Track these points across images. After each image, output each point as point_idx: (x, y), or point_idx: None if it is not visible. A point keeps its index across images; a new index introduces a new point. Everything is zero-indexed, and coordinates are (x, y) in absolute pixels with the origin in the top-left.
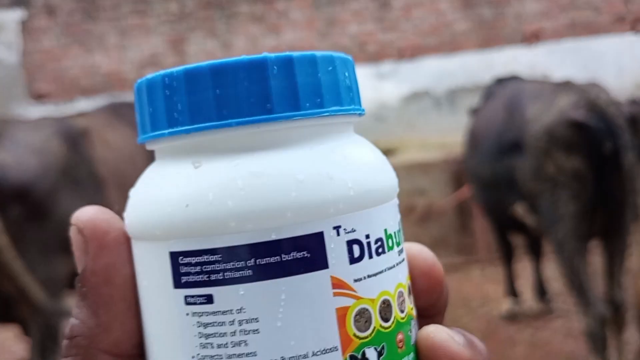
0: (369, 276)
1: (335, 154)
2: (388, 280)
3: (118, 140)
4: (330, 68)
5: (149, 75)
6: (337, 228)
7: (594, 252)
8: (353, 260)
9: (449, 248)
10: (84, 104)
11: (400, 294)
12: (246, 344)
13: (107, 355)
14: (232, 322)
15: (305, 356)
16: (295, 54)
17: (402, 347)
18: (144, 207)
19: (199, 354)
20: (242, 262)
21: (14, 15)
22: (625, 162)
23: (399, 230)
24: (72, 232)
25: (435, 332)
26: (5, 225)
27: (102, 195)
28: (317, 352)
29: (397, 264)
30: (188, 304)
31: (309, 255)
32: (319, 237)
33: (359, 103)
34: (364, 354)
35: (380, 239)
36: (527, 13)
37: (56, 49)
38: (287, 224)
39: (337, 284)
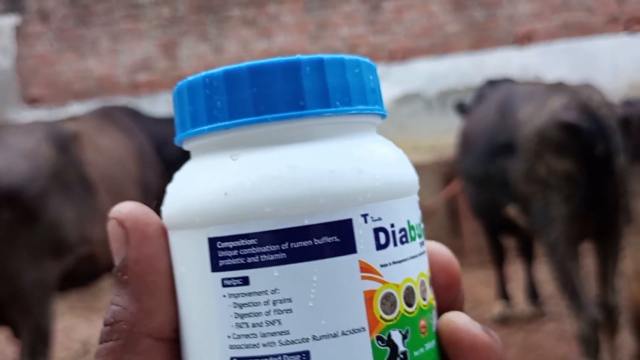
0: (394, 263)
1: (362, 149)
2: (411, 268)
3: (109, 144)
4: (357, 71)
5: (190, 77)
6: (364, 216)
7: (586, 254)
8: (379, 246)
9: None
10: (77, 108)
11: (422, 283)
12: (280, 323)
13: (149, 338)
14: (266, 303)
15: (335, 335)
16: (326, 56)
17: (424, 332)
18: (184, 197)
19: (234, 334)
20: (277, 246)
21: (8, 21)
22: (617, 164)
23: (419, 224)
24: (112, 225)
25: (457, 317)
26: None
27: (93, 199)
28: (347, 331)
29: (419, 255)
30: (225, 286)
31: (338, 240)
32: (348, 223)
33: (382, 105)
34: (389, 335)
35: (403, 229)
36: (519, 14)
37: (50, 54)
38: (319, 211)
39: (365, 268)
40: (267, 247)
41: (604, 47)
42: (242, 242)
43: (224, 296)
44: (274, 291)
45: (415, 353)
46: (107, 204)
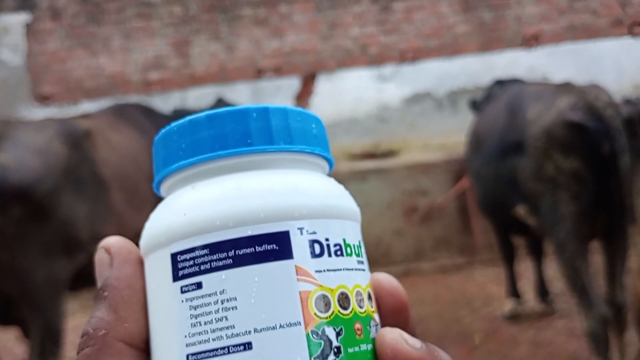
0: (328, 270)
1: (301, 177)
2: (346, 278)
3: (121, 141)
4: (299, 119)
5: (163, 129)
6: (300, 229)
7: (595, 251)
8: (314, 255)
9: (451, 249)
10: (88, 106)
11: (359, 293)
12: (227, 319)
13: (122, 343)
14: (215, 302)
15: (274, 328)
16: (270, 105)
17: (360, 335)
18: (153, 224)
19: (190, 333)
20: (225, 253)
21: (20, 18)
22: (622, 164)
23: (359, 246)
24: (99, 253)
25: (389, 332)
26: (7, 225)
27: (105, 196)
28: (284, 324)
29: (356, 269)
30: (183, 292)
31: (277, 247)
32: (285, 234)
33: (327, 152)
34: (323, 330)
35: (338, 244)
36: (526, 16)
37: (61, 52)
38: (261, 223)
39: (301, 271)
40: (217, 255)
41: (608, 49)
42: (197, 253)
43: (182, 301)
44: (222, 292)
45: (350, 350)
46: (120, 201)
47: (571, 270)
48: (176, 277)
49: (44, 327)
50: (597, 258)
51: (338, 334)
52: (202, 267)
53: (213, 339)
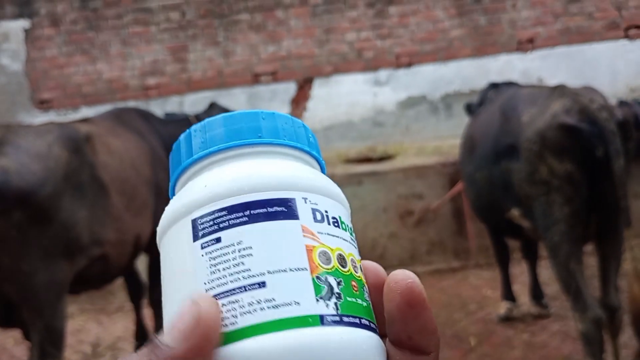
0: (327, 234)
1: (304, 166)
2: (342, 244)
3: (121, 146)
4: (300, 125)
5: (186, 131)
6: (304, 198)
7: (589, 253)
8: (316, 220)
9: (446, 252)
10: (86, 112)
11: (353, 261)
12: (243, 264)
13: None
14: (233, 252)
15: (284, 270)
16: (277, 112)
17: (356, 290)
18: (173, 203)
19: (209, 279)
20: (241, 213)
21: (19, 25)
22: (616, 167)
23: (352, 229)
24: (188, 306)
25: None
26: (8, 229)
27: (105, 200)
28: (293, 268)
29: (350, 242)
30: (202, 248)
31: (286, 210)
32: (292, 200)
33: (317, 151)
34: (326, 278)
35: (336, 218)
36: (521, 20)
37: (60, 58)
38: (272, 190)
39: (306, 230)
40: (234, 214)
41: (604, 52)
42: (216, 215)
43: (202, 255)
44: (239, 242)
45: (348, 298)
46: (119, 205)
47: (565, 273)
48: (196, 238)
49: (45, 330)
50: (591, 260)
51: (339, 284)
52: (222, 225)
53: (231, 281)
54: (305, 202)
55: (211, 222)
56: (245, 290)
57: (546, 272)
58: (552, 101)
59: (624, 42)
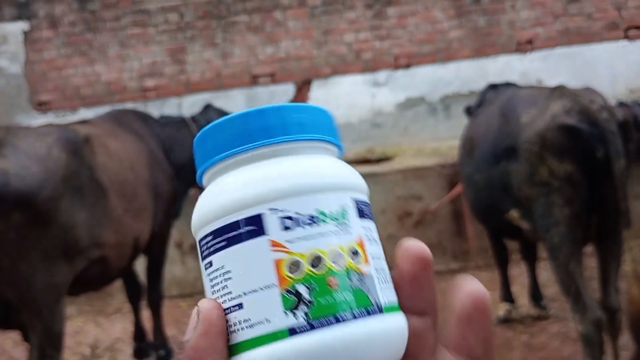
0: (299, 239)
1: (278, 165)
2: (320, 242)
3: (120, 147)
4: (323, 114)
5: (202, 129)
6: (272, 209)
7: (589, 255)
8: (285, 228)
9: (445, 254)
10: (85, 113)
11: (336, 252)
12: (227, 287)
13: None
14: (220, 275)
15: (256, 290)
16: (248, 111)
17: (335, 286)
18: (195, 211)
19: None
20: (222, 237)
21: (17, 27)
22: (617, 168)
23: (342, 212)
24: (194, 312)
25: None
26: (7, 231)
27: (104, 202)
28: (262, 287)
29: (334, 233)
30: (205, 269)
31: (255, 227)
32: (258, 216)
33: (337, 139)
34: (295, 288)
35: (312, 215)
36: (521, 20)
37: (58, 60)
38: (241, 210)
39: (274, 243)
40: (218, 238)
41: (603, 53)
42: (208, 239)
43: (206, 276)
44: (222, 267)
45: (322, 300)
46: (118, 207)
47: (565, 275)
48: (202, 258)
49: (44, 332)
50: (589, 262)
51: (310, 290)
52: (212, 249)
53: (222, 303)
54: (273, 213)
55: (206, 246)
56: (230, 311)
57: (545, 273)
58: (551, 102)
59: (624, 42)
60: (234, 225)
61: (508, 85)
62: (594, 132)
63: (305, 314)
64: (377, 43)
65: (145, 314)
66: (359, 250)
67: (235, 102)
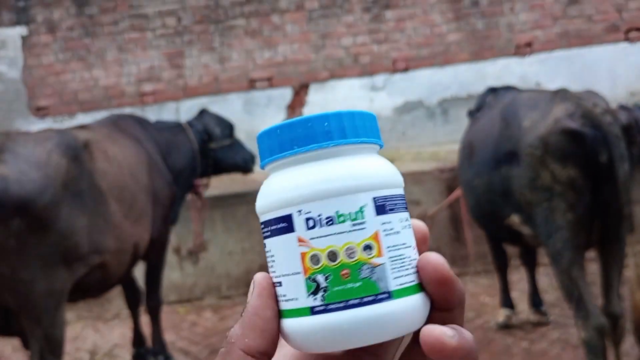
0: (319, 237)
1: (308, 173)
2: (336, 240)
3: (118, 153)
4: (367, 117)
5: (266, 128)
6: (299, 211)
7: (591, 260)
8: (309, 228)
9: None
10: (83, 118)
11: (349, 248)
12: (273, 267)
13: (241, 352)
14: (270, 257)
15: (288, 275)
16: (296, 120)
17: (347, 277)
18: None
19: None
20: (268, 228)
21: (15, 32)
22: (620, 172)
23: (358, 211)
24: (251, 283)
25: (431, 253)
26: (7, 237)
27: (104, 208)
28: (293, 272)
29: (349, 231)
30: (264, 247)
31: (287, 224)
32: (289, 216)
33: (376, 137)
34: (315, 277)
35: (330, 217)
36: (519, 23)
37: (56, 65)
38: (278, 209)
39: (300, 239)
40: (267, 228)
41: (603, 55)
42: (262, 226)
43: (266, 253)
44: (270, 251)
45: (335, 288)
46: (118, 212)
47: (568, 280)
48: (263, 238)
49: (44, 338)
50: (593, 267)
51: (326, 279)
52: (265, 235)
53: (272, 278)
54: (300, 214)
55: (263, 231)
56: (275, 286)
57: (545, 279)
58: (554, 105)
59: (624, 45)
60: (276, 221)
61: (508, 88)
62: (598, 136)
63: (323, 297)
64: (375, 47)
65: (144, 320)
66: (374, 244)
67: (232, 106)
